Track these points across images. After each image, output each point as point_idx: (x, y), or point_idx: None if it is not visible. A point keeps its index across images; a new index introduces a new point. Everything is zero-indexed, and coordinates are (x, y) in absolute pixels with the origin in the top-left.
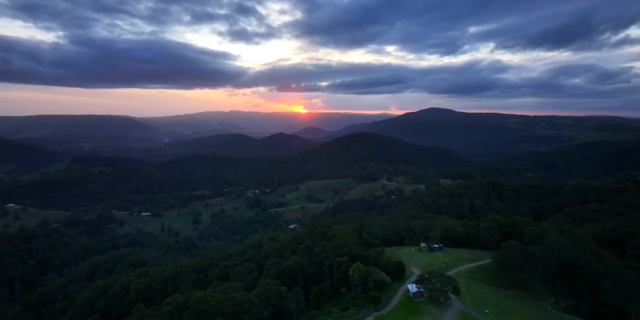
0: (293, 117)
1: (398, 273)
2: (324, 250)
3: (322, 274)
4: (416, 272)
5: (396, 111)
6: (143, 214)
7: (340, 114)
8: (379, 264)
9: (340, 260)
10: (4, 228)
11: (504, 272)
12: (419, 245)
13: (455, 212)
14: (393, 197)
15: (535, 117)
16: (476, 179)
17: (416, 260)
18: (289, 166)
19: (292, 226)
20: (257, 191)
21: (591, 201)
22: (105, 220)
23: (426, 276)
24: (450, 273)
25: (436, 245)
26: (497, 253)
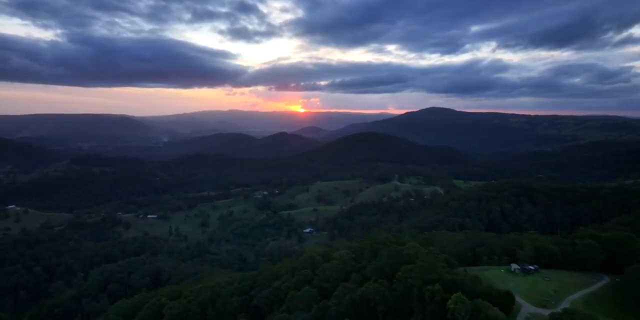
0: (292, 116)
1: (506, 306)
2: (409, 275)
3: (409, 305)
4: (523, 303)
5: (394, 111)
6: (149, 216)
7: (339, 113)
8: (482, 294)
9: (432, 289)
10: (5, 231)
11: (627, 303)
12: (508, 265)
13: (485, 216)
14: (412, 199)
15: (536, 116)
16: (500, 181)
17: (513, 286)
18: (294, 166)
19: (308, 230)
20: (265, 192)
21: (632, 206)
22: (110, 223)
23: (563, 316)
24: (565, 305)
25: (531, 267)
26: (621, 279)
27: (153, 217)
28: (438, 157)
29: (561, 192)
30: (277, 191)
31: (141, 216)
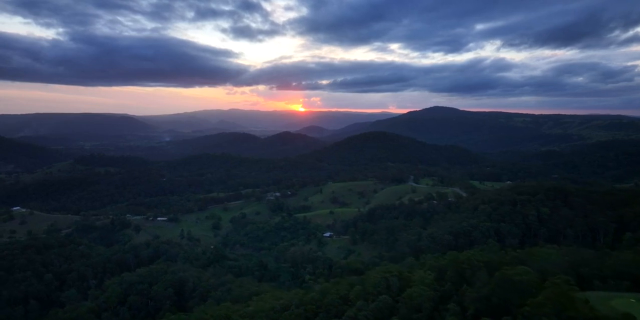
0: (292, 115)
1: None
2: (540, 311)
3: None
4: None
5: (395, 110)
6: (159, 218)
7: (340, 112)
8: None
9: None
10: (11, 233)
11: None
12: (633, 293)
13: (521, 222)
14: (435, 202)
15: (541, 115)
16: (530, 183)
17: None
18: (302, 166)
19: (327, 234)
20: (277, 194)
21: None
22: (120, 226)
23: None
24: None
25: None
26: None
27: (163, 220)
28: (448, 157)
29: (600, 195)
30: (289, 192)
31: (151, 218)
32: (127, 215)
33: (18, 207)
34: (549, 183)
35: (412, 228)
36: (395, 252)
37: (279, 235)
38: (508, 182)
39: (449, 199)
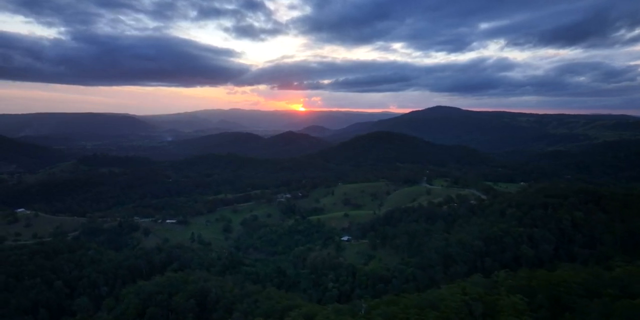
0: (293, 115)
1: None
2: None
3: None
4: None
5: (396, 109)
6: (168, 221)
7: (340, 112)
8: None
9: None
10: (16, 236)
11: None
12: None
13: (554, 226)
14: (455, 204)
15: (545, 115)
16: (557, 185)
17: None
18: (310, 167)
19: (345, 238)
20: (288, 195)
21: None
22: (128, 229)
23: None
24: None
25: None
26: None
27: (172, 222)
28: (456, 157)
29: (636, 198)
30: (300, 194)
31: (160, 221)
32: (135, 218)
33: (22, 209)
34: (578, 185)
35: (435, 232)
36: (421, 258)
37: (293, 239)
38: (522, 183)
39: (471, 202)
